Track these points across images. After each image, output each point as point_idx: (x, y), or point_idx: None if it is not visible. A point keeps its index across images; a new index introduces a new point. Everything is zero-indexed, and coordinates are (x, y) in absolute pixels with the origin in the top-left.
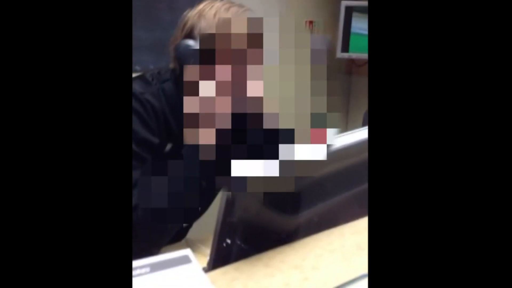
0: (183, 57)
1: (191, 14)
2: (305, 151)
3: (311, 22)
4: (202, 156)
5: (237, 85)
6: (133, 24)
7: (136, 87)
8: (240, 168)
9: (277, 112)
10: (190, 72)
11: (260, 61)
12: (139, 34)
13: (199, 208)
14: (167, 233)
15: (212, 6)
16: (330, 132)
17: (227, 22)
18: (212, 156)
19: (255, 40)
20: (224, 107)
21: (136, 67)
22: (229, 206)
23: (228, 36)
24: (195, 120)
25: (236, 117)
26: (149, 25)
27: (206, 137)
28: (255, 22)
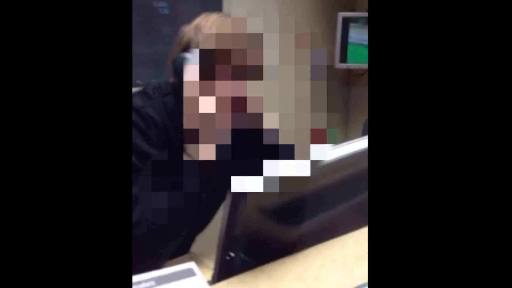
0: (180, 70)
1: (188, 28)
2: (301, 166)
3: None
4: (203, 171)
5: (237, 101)
6: (134, 39)
7: (137, 101)
8: (240, 183)
9: (277, 128)
10: (189, 87)
11: (260, 76)
12: (140, 49)
13: (202, 222)
14: (169, 247)
15: (208, 20)
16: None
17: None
18: (212, 172)
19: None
20: (224, 123)
21: (137, 81)
22: (231, 219)
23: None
24: (195, 135)
25: (236, 133)
26: (150, 40)
27: (207, 152)
28: (254, 37)
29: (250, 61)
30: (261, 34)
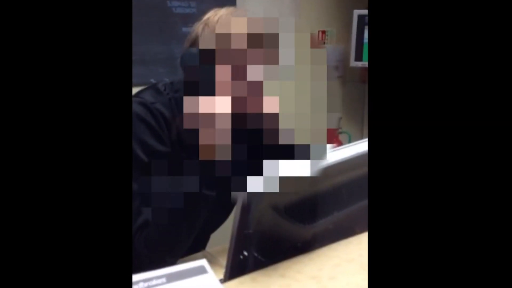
0: (186, 66)
1: (198, 24)
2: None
3: (323, 32)
4: (218, 172)
5: (237, 101)
6: (148, 38)
7: (147, 96)
8: (256, 182)
9: (293, 128)
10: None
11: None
12: (154, 48)
13: (216, 220)
14: (180, 245)
15: (216, 14)
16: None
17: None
18: (228, 171)
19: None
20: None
21: (151, 80)
22: (244, 217)
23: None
24: (210, 134)
25: (252, 132)
26: (164, 39)
27: (222, 152)
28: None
29: (250, 61)
30: (262, 34)
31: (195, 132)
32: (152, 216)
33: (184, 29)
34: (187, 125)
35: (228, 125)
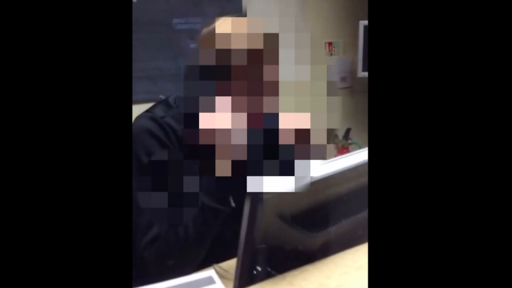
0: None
1: (205, 32)
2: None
3: (330, 44)
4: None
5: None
6: (157, 55)
7: (157, 111)
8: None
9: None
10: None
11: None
12: (163, 64)
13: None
14: (191, 259)
15: (220, 24)
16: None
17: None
18: (242, 186)
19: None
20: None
21: (160, 96)
22: (251, 227)
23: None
24: (226, 150)
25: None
26: (172, 55)
27: (238, 169)
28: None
29: (250, 77)
30: (261, 50)
31: (209, 148)
32: (162, 230)
33: (191, 45)
34: (203, 140)
35: (244, 140)
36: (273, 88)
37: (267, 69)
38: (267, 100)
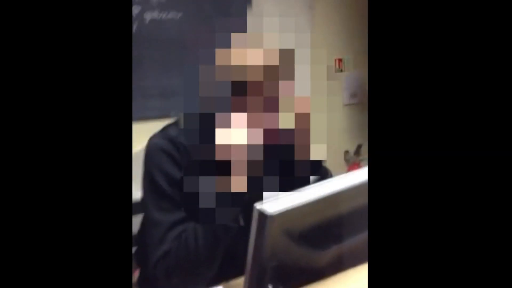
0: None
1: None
2: None
3: (340, 60)
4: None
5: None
6: (168, 72)
7: (171, 131)
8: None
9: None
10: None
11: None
12: (174, 81)
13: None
14: (202, 274)
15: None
16: None
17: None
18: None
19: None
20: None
21: (171, 113)
22: (259, 244)
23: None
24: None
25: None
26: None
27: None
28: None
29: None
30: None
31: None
32: (173, 246)
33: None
34: (219, 156)
35: (260, 156)
36: (288, 104)
37: (283, 84)
38: (282, 116)
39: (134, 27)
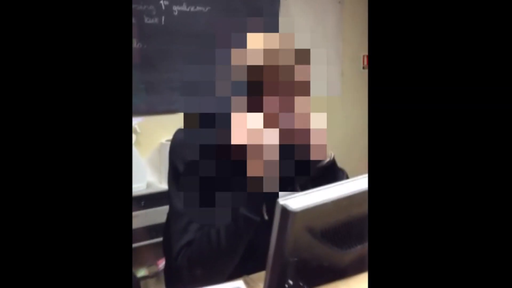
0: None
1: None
2: None
3: (368, 57)
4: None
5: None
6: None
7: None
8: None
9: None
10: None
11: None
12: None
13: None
14: (223, 266)
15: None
16: None
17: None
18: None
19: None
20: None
21: None
22: (281, 239)
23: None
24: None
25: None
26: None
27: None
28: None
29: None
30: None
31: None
32: (196, 236)
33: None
34: (235, 156)
35: (276, 156)
36: (304, 103)
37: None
38: (298, 115)
39: (163, 20)
